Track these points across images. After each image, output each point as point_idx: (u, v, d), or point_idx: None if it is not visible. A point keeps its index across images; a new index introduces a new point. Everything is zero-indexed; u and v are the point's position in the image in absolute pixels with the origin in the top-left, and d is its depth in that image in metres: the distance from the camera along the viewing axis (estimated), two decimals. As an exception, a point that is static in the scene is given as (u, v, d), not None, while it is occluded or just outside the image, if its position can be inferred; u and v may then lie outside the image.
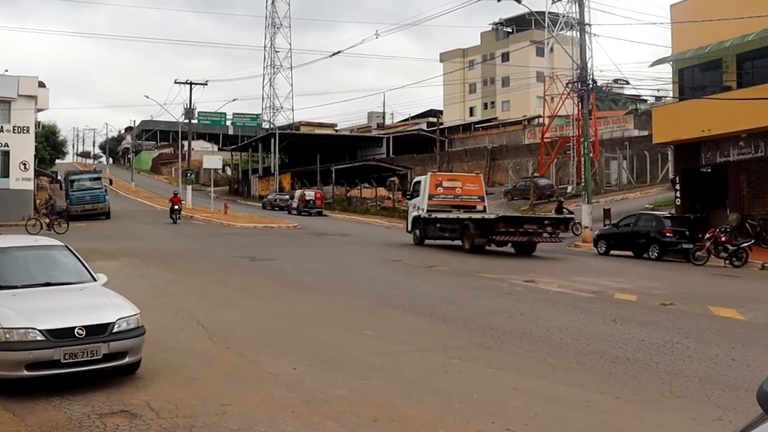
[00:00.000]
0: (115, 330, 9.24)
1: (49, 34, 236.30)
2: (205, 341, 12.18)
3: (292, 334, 13.02)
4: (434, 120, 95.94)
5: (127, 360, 9.36)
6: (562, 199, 45.43)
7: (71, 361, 8.87)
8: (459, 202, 33.79)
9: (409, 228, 35.52)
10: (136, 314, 9.64)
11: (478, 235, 30.16)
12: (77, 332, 8.97)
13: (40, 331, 8.82)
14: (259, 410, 8.45)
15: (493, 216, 30.64)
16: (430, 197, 33.44)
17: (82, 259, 11.28)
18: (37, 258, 11.11)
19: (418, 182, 35.76)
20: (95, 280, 10.82)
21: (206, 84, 68.83)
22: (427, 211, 33.25)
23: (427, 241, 33.67)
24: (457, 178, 36.63)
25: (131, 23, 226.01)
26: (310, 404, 8.71)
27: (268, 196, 76.08)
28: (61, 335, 8.89)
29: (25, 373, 8.71)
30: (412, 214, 35.04)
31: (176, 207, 47.34)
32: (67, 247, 11.56)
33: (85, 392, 8.93)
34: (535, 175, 64.04)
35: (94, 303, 9.79)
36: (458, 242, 31.73)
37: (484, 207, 34.27)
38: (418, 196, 34.72)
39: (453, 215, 32.31)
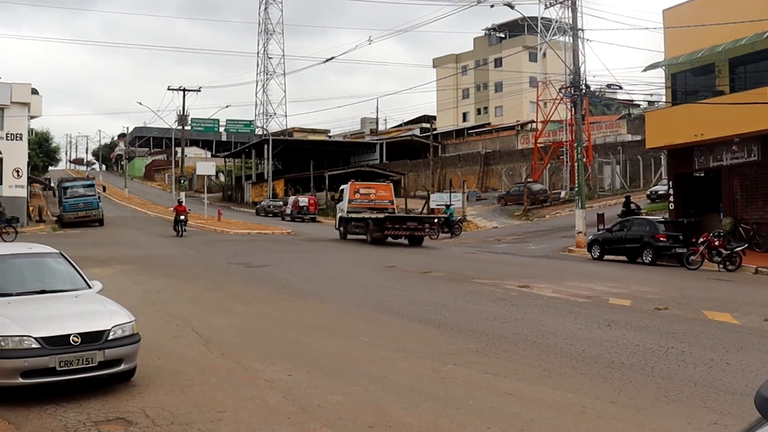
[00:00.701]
0: (111, 337, 9.23)
1: (43, 41, 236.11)
2: (199, 348, 12.17)
3: (287, 340, 13.00)
4: (427, 126, 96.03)
5: (122, 367, 9.35)
6: (630, 195, 45.87)
7: (66, 368, 8.85)
8: (373, 206, 40.61)
9: (336, 226, 43.00)
10: (132, 321, 9.63)
11: (375, 231, 37.68)
12: (72, 340, 8.95)
13: (35, 338, 8.80)
14: (254, 417, 8.44)
15: (382, 216, 37.94)
16: (350, 201, 40.40)
17: (76, 267, 11.27)
18: (32, 265, 11.09)
19: (342, 189, 42.42)
20: (90, 287, 10.81)
21: (199, 90, 68.89)
22: (347, 212, 40.38)
23: (350, 236, 40.67)
24: (372, 186, 43.80)
25: (124, 30, 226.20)
26: (305, 411, 8.70)
27: (262, 203, 76.15)
28: (57, 343, 8.87)
29: (21, 380, 8.69)
30: (338, 215, 42.50)
31: (182, 217, 41.47)
32: (61, 254, 11.54)
33: (81, 400, 8.91)
34: (529, 180, 64.20)
35: (89, 310, 9.78)
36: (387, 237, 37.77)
37: (394, 209, 41.23)
38: (342, 201, 41.73)
39: (360, 215, 39.62)
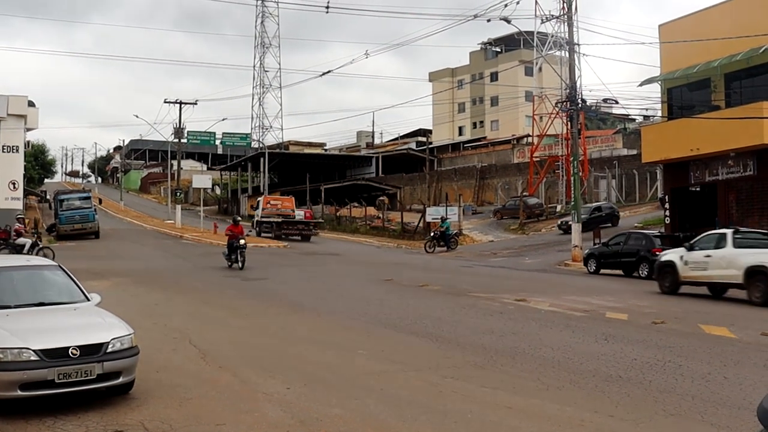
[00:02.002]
0: (109, 350, 9.22)
1: (37, 53, 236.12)
2: (197, 361, 12.16)
3: (285, 353, 13.00)
4: (423, 139, 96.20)
5: (121, 380, 9.33)
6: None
7: (65, 381, 8.83)
8: (279, 213, 55.69)
9: (252, 226, 53.97)
10: (130, 334, 9.62)
11: (277, 230, 52.84)
12: (71, 352, 8.94)
13: (34, 351, 8.78)
14: (253, 430, 8.44)
15: (279, 220, 53.98)
16: (263, 209, 55.95)
17: (75, 279, 11.27)
18: (30, 278, 11.08)
19: (259, 201, 59.12)
20: (88, 299, 10.80)
21: (196, 103, 68.93)
22: (261, 217, 55.35)
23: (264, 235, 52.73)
24: (279, 199, 60.43)
25: (119, 43, 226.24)
26: (304, 424, 8.70)
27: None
28: (55, 355, 8.86)
29: (19, 393, 8.67)
30: (255, 218, 56.68)
31: (241, 242, 29.80)
32: (60, 266, 11.54)
33: (79, 412, 8.89)
34: (525, 194, 64.32)
35: (87, 323, 9.77)
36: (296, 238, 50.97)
37: (293, 216, 55.88)
38: (258, 209, 57.03)
39: (269, 219, 54.74)
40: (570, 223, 47.67)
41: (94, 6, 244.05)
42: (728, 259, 22.08)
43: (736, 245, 22.41)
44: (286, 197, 61.97)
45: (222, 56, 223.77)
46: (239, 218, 36.67)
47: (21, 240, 31.58)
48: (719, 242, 22.92)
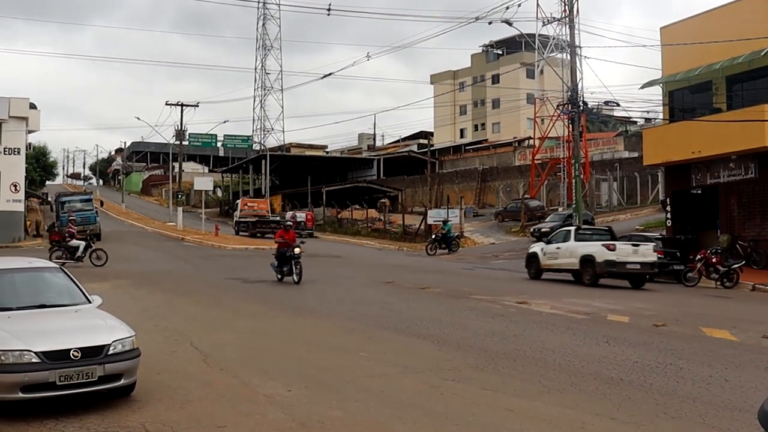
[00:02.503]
0: (111, 352, 9.22)
1: (37, 55, 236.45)
2: (198, 363, 12.17)
3: (286, 356, 13.00)
4: (425, 141, 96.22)
5: (122, 382, 9.33)
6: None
7: (66, 383, 8.84)
8: (255, 214, 63.82)
9: (234, 226, 63.60)
10: (132, 336, 9.63)
11: (252, 228, 59.52)
12: (73, 354, 8.94)
13: (35, 353, 8.79)
14: (254, 432, 8.45)
15: (254, 219, 61.68)
16: (241, 210, 64.64)
17: (76, 281, 11.27)
18: (32, 280, 11.08)
19: (237, 202, 68.27)
20: (90, 302, 10.80)
21: (197, 106, 68.86)
22: (239, 217, 63.74)
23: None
24: (255, 201, 69.15)
25: (119, 45, 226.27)
26: (305, 426, 8.70)
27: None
28: (57, 357, 8.86)
29: (20, 395, 8.67)
30: (235, 219, 65.40)
31: (296, 251, 25.39)
32: (61, 268, 11.56)
33: (80, 415, 8.90)
34: (526, 196, 64.17)
35: (89, 325, 9.78)
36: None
37: (268, 217, 63.42)
38: (236, 210, 65.46)
39: (245, 219, 62.43)
40: (543, 230, 47.96)
41: (94, 8, 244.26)
42: (570, 250, 28.12)
43: (577, 239, 28.43)
44: (261, 199, 72.18)
45: (222, 58, 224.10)
46: (290, 223, 33.82)
47: (74, 242, 31.91)
48: (566, 237, 28.97)
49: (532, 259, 30.08)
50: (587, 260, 27.00)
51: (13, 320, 9.62)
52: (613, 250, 26.57)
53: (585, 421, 9.02)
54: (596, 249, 26.98)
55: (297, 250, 25.43)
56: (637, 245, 27.52)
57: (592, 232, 30.13)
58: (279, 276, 25.81)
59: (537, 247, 30.27)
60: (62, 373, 8.81)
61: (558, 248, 28.65)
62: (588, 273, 26.93)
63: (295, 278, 25.00)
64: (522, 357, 12.95)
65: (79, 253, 31.10)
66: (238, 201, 66.66)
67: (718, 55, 31.94)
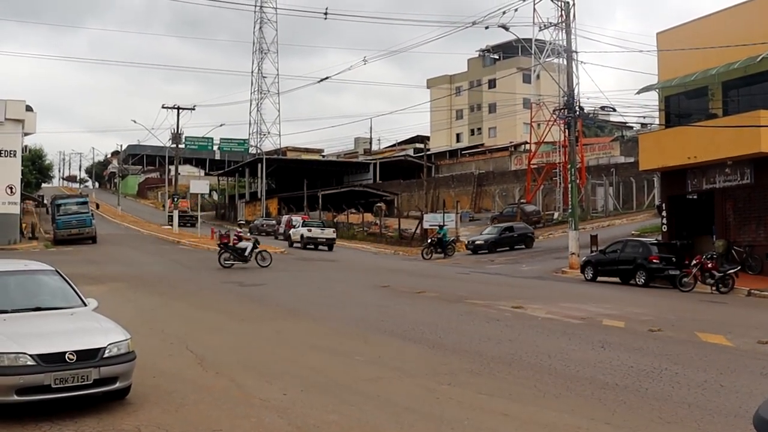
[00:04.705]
0: (106, 355, 9.20)
1: (31, 57, 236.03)
2: (194, 366, 12.15)
3: (282, 359, 13.00)
4: (421, 146, 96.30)
5: (117, 385, 9.32)
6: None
7: (62, 386, 8.82)
8: (179, 209, 69.47)
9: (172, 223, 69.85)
10: (127, 339, 9.62)
11: (185, 223, 70.41)
12: (68, 357, 8.93)
13: (30, 355, 8.77)
14: (250, 436, 8.44)
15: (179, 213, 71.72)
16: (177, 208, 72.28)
17: (72, 284, 11.26)
18: (27, 282, 11.06)
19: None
20: (85, 304, 10.78)
21: (194, 109, 68.87)
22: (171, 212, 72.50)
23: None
24: (181, 201, 76.03)
25: (112, 48, 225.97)
26: (301, 430, 8.70)
27: (255, 222, 76.06)
28: (52, 360, 8.84)
29: (16, 398, 8.66)
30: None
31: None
32: (57, 271, 11.52)
33: (76, 417, 8.89)
34: (522, 201, 64.32)
35: (84, 328, 9.76)
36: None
37: (190, 212, 76.39)
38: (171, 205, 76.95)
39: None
40: (478, 242, 48.14)
41: (88, 10, 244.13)
42: (300, 232, 53.83)
43: (304, 225, 54.89)
44: (184, 200, 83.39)
45: (215, 61, 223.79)
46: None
47: (242, 244, 33.55)
48: (300, 225, 56.24)
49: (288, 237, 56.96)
50: (302, 236, 52.60)
51: (9, 323, 9.60)
52: (311, 231, 52.48)
53: (580, 425, 9.03)
54: (303, 231, 53.12)
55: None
56: (323, 228, 53.78)
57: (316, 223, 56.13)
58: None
59: (302, 230, 54.03)
60: (57, 376, 8.80)
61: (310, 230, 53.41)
62: (299, 243, 52.53)
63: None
64: (517, 361, 12.96)
65: (246, 254, 32.91)
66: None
67: (714, 61, 31.99)
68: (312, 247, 51.64)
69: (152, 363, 11.84)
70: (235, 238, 33.77)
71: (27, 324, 9.73)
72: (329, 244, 51.66)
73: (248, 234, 39.81)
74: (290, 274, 30.49)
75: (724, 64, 31.66)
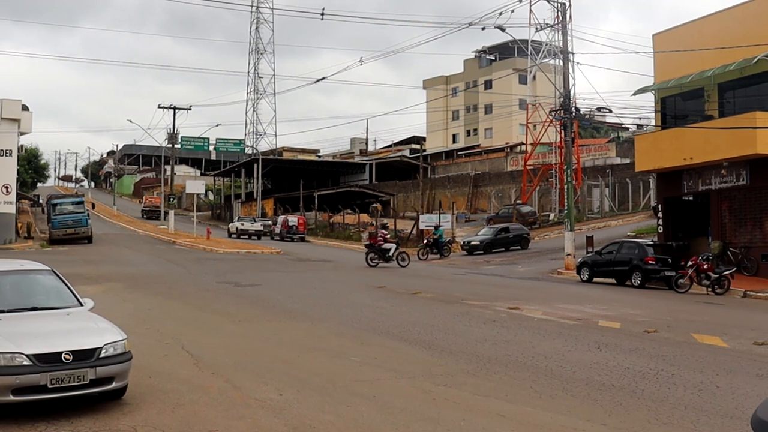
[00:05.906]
0: (102, 355, 9.19)
1: (27, 57, 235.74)
2: (190, 367, 12.14)
3: (278, 360, 12.99)
4: (417, 147, 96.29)
5: (113, 385, 9.31)
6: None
7: (58, 386, 8.81)
8: (152, 204, 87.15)
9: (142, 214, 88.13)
10: (123, 339, 9.60)
11: (149, 213, 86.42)
12: (64, 357, 8.92)
13: (26, 355, 8.76)
14: (246, 436, 8.43)
15: (149, 208, 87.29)
16: (145, 203, 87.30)
17: (68, 284, 11.24)
18: (24, 282, 11.04)
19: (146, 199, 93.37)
20: (82, 304, 10.77)
21: (190, 109, 68.89)
22: (144, 207, 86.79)
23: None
24: (153, 198, 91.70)
25: (108, 48, 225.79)
26: (296, 430, 8.70)
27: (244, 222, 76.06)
28: (48, 360, 8.83)
29: (12, 398, 8.65)
30: (141, 208, 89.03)
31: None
32: (53, 271, 11.50)
33: (71, 417, 8.88)
34: (518, 202, 64.34)
35: (80, 328, 9.75)
36: None
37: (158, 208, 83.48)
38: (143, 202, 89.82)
39: (147, 208, 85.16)
40: (473, 243, 48.22)
41: (82, 10, 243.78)
42: (235, 225, 66.10)
43: (239, 220, 67.70)
44: (156, 197, 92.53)
45: (209, 61, 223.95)
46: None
47: (387, 245, 35.72)
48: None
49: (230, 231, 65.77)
50: (237, 228, 63.91)
51: (4, 323, 9.59)
52: (243, 224, 63.72)
53: (576, 426, 9.03)
54: (237, 224, 64.89)
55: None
56: (255, 221, 65.27)
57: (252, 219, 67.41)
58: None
59: (237, 224, 65.20)
60: (53, 376, 8.78)
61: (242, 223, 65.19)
62: (235, 234, 62.69)
63: None
64: (514, 362, 12.96)
65: (389, 254, 35.00)
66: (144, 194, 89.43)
67: (710, 63, 32.05)
68: (246, 237, 63.32)
69: (148, 363, 11.84)
70: (381, 239, 35.79)
71: (23, 324, 9.71)
72: (258, 234, 63.99)
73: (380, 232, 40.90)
74: (286, 275, 30.46)
75: (720, 66, 31.71)
